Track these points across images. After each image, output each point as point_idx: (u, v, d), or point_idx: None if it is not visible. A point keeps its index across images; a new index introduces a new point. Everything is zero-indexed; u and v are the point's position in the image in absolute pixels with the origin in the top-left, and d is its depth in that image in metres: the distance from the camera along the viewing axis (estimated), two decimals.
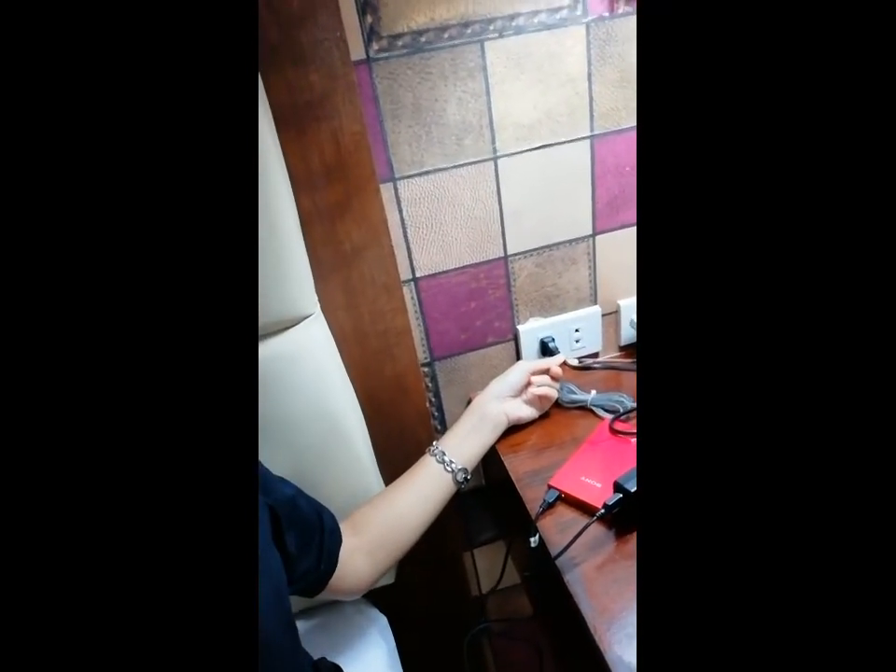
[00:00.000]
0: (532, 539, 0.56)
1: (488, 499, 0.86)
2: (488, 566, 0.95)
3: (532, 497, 0.61)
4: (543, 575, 0.56)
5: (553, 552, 0.53)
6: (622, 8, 0.61)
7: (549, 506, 0.58)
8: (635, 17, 0.61)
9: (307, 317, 0.58)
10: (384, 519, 0.59)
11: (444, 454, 0.62)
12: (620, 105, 0.66)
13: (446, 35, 0.58)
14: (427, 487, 0.61)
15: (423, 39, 0.57)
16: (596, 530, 0.54)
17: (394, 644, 0.71)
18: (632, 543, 0.53)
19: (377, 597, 0.72)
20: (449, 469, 0.61)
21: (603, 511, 0.52)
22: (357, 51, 0.56)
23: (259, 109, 0.49)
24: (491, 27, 0.59)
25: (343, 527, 0.56)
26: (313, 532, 0.52)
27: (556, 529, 0.56)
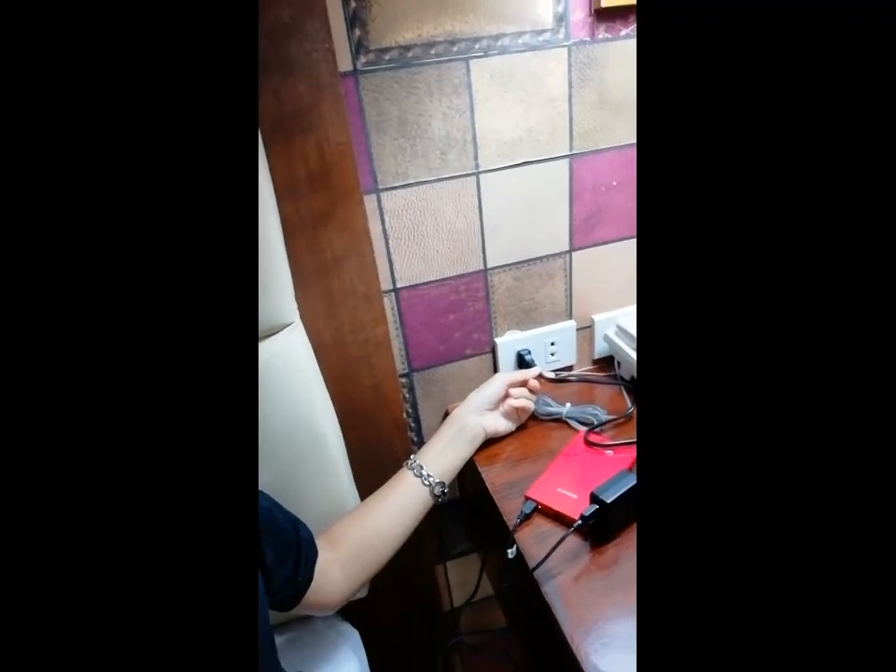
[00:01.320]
0: (509, 551, 0.56)
1: (462, 511, 0.86)
2: (460, 578, 0.95)
3: (509, 509, 0.61)
4: (519, 587, 0.56)
5: (531, 563, 0.53)
6: (602, 34, 0.63)
7: (526, 517, 0.59)
8: (614, 42, 0.64)
9: (287, 326, 0.58)
10: (361, 533, 0.58)
11: (422, 467, 0.62)
12: (598, 126, 0.68)
13: (433, 52, 0.59)
14: (404, 501, 0.61)
15: (410, 54, 0.58)
16: (573, 541, 0.55)
17: (366, 659, 0.70)
18: (607, 554, 0.54)
19: (349, 612, 0.71)
20: (427, 482, 0.61)
21: (580, 521, 0.53)
22: (344, 63, 0.56)
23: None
24: (477, 46, 0.60)
25: (319, 541, 0.55)
26: (289, 545, 0.51)
27: (533, 540, 0.57)
